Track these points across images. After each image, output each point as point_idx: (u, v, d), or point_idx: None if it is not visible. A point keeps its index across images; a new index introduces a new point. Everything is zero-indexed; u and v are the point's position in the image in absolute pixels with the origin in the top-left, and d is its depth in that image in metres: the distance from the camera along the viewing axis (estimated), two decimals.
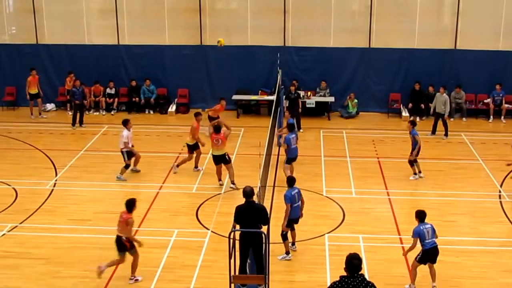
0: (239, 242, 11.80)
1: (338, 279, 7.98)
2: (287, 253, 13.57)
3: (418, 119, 23.94)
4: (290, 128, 17.87)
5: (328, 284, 8.18)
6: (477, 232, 14.90)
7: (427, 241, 12.11)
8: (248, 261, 12.03)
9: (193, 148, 18.29)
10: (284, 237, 13.50)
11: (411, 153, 17.78)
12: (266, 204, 13.30)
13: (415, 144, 17.66)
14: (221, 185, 17.25)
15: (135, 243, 12.49)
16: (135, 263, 12.58)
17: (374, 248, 14.08)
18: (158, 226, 15.06)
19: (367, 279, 8.06)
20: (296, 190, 13.50)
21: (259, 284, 11.54)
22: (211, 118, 20.17)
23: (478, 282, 12.73)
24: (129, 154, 18.07)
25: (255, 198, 12.08)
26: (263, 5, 24.81)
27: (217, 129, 17.41)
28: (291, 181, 13.59)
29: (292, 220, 13.49)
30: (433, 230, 12.24)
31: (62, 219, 15.45)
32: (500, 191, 17.28)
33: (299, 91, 23.13)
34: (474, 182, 18.06)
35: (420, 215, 12.29)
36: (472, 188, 17.57)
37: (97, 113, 24.90)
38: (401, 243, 14.24)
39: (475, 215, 15.84)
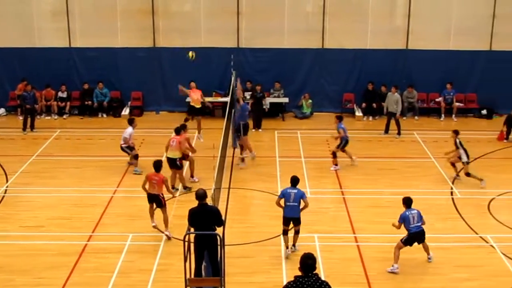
0: (194, 245, 11.73)
1: (293, 279, 8.02)
2: (287, 247, 13.72)
3: (371, 118, 24.31)
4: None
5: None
6: (431, 229, 15.04)
7: (411, 225, 12.96)
8: (204, 263, 11.98)
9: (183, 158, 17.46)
10: (283, 232, 13.73)
11: (337, 145, 18.88)
12: (222, 206, 13.25)
13: (344, 137, 18.73)
14: (175, 192, 16.93)
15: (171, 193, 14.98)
16: (165, 217, 14.42)
17: (330, 247, 14.17)
18: (113, 231, 14.90)
19: (322, 278, 8.12)
20: (295, 191, 13.55)
21: (215, 286, 11.48)
22: (192, 108, 21.31)
23: (433, 278, 12.96)
24: (130, 149, 18.66)
25: (209, 201, 12.03)
26: (216, 7, 24.70)
27: (177, 130, 17.32)
28: (292, 180, 13.71)
29: (285, 218, 13.59)
30: (420, 216, 13.10)
31: (14, 226, 15.14)
32: (452, 188, 17.60)
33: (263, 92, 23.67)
34: (427, 180, 18.36)
35: (407, 202, 13.16)
36: (425, 186, 17.85)
37: (49, 118, 24.43)
38: (356, 241, 14.40)
39: (429, 212, 15.96)
